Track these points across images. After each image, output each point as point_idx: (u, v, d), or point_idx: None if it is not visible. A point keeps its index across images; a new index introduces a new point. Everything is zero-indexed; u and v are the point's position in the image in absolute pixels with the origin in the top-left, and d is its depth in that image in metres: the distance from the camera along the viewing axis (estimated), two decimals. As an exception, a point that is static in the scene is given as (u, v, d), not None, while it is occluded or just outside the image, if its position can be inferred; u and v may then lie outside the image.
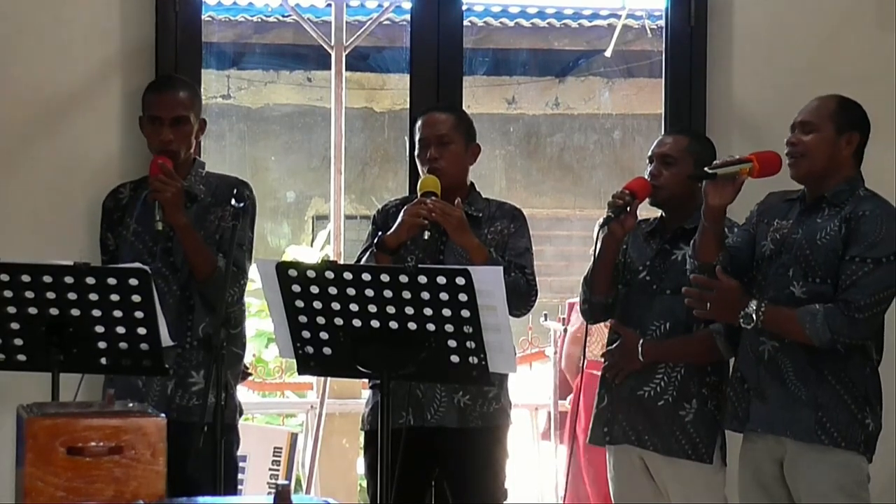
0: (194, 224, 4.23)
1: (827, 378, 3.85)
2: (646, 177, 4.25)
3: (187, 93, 4.36)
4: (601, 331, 6.06)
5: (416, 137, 4.35)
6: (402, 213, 4.16)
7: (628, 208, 4.14)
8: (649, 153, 4.31)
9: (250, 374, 5.00)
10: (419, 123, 4.36)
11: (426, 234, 4.09)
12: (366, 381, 4.62)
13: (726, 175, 3.89)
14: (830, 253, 3.84)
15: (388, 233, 4.16)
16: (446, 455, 4.23)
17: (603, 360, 6.05)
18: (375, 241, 4.19)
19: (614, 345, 4.29)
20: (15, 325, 3.79)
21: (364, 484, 7.18)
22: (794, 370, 3.88)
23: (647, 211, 4.33)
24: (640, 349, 4.17)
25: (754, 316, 3.82)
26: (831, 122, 3.94)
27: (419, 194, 4.18)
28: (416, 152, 4.36)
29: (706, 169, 3.92)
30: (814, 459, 3.85)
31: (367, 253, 4.21)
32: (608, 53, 9.01)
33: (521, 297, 4.18)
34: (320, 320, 3.51)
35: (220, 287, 4.10)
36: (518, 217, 4.35)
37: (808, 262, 3.88)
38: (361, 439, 7.14)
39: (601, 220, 4.17)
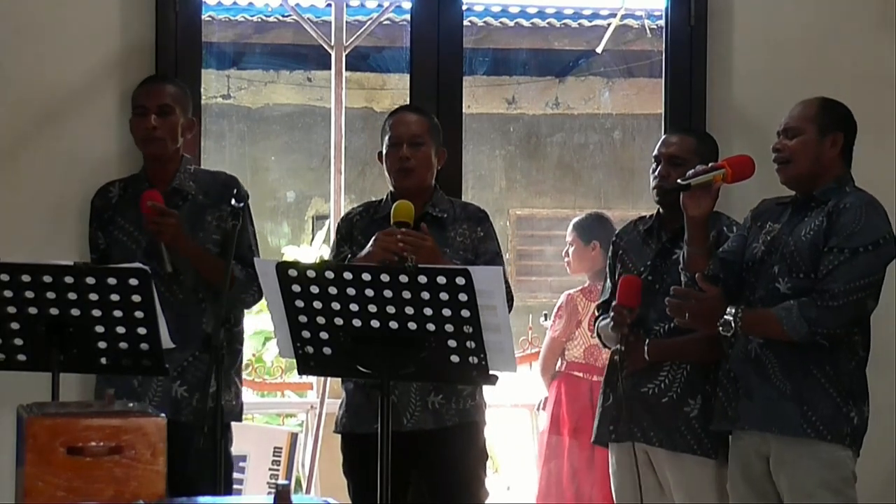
0: (189, 224, 4.22)
1: (812, 372, 3.88)
2: (650, 177, 4.28)
3: (175, 87, 4.38)
4: (584, 334, 6.13)
5: (387, 136, 4.29)
6: (373, 241, 4.07)
7: (629, 321, 4.16)
8: (654, 153, 4.33)
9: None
10: (390, 123, 4.32)
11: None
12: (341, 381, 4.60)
13: (701, 184, 3.93)
14: (813, 247, 3.88)
15: (360, 256, 4.12)
16: (424, 456, 4.22)
17: (584, 361, 6.15)
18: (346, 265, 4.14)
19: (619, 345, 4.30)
20: (15, 325, 3.79)
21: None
22: (780, 366, 3.91)
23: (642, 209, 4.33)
24: (646, 348, 4.18)
25: (732, 322, 3.86)
26: (814, 125, 3.98)
27: (392, 222, 4.09)
28: (384, 152, 4.30)
29: (679, 181, 3.98)
30: (798, 455, 3.87)
31: None
32: (599, 50, 9.00)
33: None
34: (320, 320, 3.51)
35: (242, 293, 4.11)
36: (484, 220, 4.33)
37: (792, 258, 3.91)
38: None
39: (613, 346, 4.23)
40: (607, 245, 6.14)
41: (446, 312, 3.42)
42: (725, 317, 3.86)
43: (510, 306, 4.23)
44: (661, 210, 4.32)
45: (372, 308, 3.45)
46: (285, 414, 7.42)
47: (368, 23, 8.11)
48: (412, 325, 3.45)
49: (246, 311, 4.46)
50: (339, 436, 4.46)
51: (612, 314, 4.18)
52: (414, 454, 4.18)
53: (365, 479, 3.47)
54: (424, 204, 4.25)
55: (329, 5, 8.20)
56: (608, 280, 4.47)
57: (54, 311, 3.75)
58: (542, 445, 6.27)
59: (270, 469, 5.96)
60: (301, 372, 3.74)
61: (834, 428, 3.85)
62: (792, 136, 3.98)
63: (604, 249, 6.14)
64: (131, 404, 3.18)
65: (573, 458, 6.05)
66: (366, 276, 3.44)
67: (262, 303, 3.97)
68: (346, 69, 7.93)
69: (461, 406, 4.22)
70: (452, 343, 3.47)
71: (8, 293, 3.75)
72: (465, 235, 4.28)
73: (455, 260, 4.16)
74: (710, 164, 4.03)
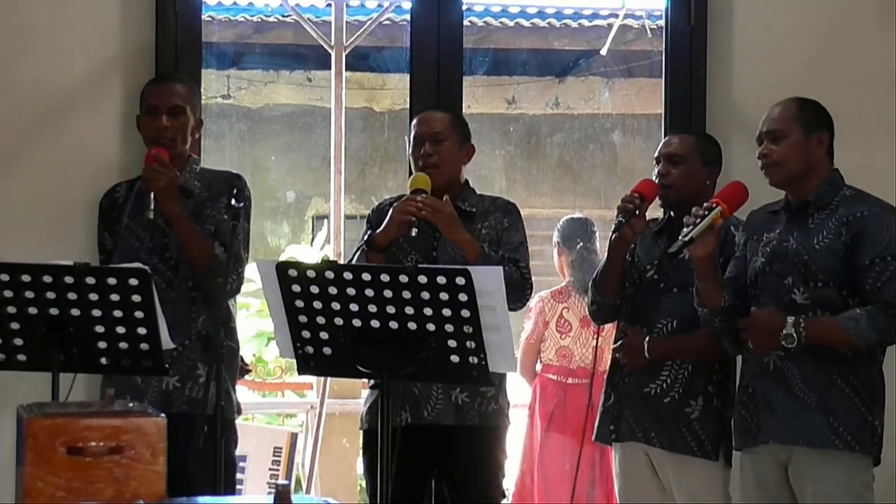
0: (191, 219, 4.22)
1: (836, 382, 3.85)
2: (653, 178, 4.27)
3: (185, 87, 4.38)
4: (553, 335, 6.18)
5: (412, 135, 4.37)
6: (391, 211, 4.17)
7: (637, 211, 4.14)
8: (655, 154, 4.33)
9: (250, 370, 4.99)
10: (415, 122, 4.39)
11: (414, 231, 4.10)
12: (365, 380, 4.62)
13: (702, 231, 3.87)
14: (831, 256, 3.84)
15: (378, 231, 4.17)
16: (443, 453, 4.22)
17: (557, 364, 6.15)
18: (365, 239, 4.20)
19: (620, 342, 4.29)
20: (15, 325, 3.79)
21: (364, 484, 7.21)
22: (802, 377, 3.87)
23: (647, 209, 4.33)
24: (646, 346, 4.18)
25: (795, 334, 3.79)
26: (798, 125, 3.94)
27: (409, 192, 4.19)
28: (410, 150, 4.38)
29: (681, 239, 3.89)
30: (822, 464, 3.84)
31: (358, 252, 4.21)
32: (604, 52, 9.01)
33: (515, 288, 4.14)
34: (320, 320, 3.51)
35: (220, 277, 4.11)
36: (512, 211, 4.36)
37: (807, 267, 3.87)
38: (361, 439, 7.19)
39: (613, 226, 4.17)
40: (574, 246, 6.20)
41: (446, 312, 3.43)
42: (786, 330, 3.79)
43: (529, 295, 4.25)
44: (671, 212, 4.32)
45: (372, 308, 3.45)
46: (285, 414, 7.42)
47: (368, 23, 8.12)
48: (412, 325, 3.45)
49: (247, 312, 4.46)
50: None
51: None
52: (434, 451, 4.19)
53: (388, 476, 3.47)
54: (454, 199, 4.26)
55: (329, 5, 8.20)
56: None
57: (54, 311, 3.75)
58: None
59: (270, 469, 5.96)
60: (301, 372, 3.75)
61: (861, 438, 3.83)
62: (776, 139, 3.94)
63: (570, 250, 6.20)
64: (131, 404, 3.18)
65: (544, 457, 6.12)
66: (366, 276, 3.44)
67: (264, 303, 3.97)
68: (346, 69, 7.94)
69: (484, 408, 4.22)
70: (452, 343, 3.47)
71: (8, 293, 3.74)
72: (491, 226, 4.30)
73: (484, 244, 4.20)
74: (703, 207, 3.92)
